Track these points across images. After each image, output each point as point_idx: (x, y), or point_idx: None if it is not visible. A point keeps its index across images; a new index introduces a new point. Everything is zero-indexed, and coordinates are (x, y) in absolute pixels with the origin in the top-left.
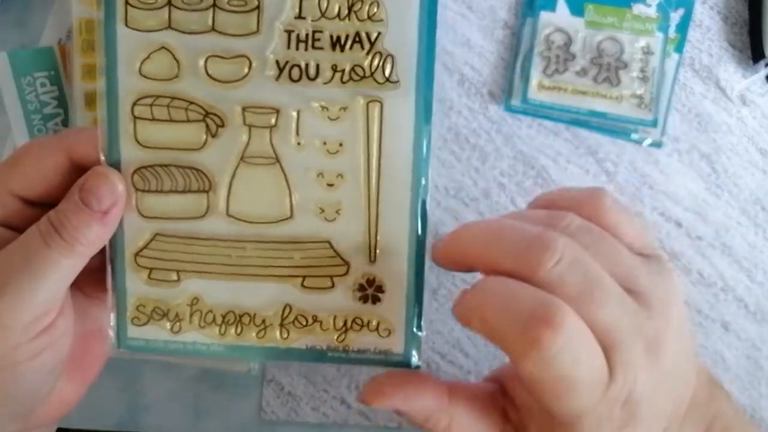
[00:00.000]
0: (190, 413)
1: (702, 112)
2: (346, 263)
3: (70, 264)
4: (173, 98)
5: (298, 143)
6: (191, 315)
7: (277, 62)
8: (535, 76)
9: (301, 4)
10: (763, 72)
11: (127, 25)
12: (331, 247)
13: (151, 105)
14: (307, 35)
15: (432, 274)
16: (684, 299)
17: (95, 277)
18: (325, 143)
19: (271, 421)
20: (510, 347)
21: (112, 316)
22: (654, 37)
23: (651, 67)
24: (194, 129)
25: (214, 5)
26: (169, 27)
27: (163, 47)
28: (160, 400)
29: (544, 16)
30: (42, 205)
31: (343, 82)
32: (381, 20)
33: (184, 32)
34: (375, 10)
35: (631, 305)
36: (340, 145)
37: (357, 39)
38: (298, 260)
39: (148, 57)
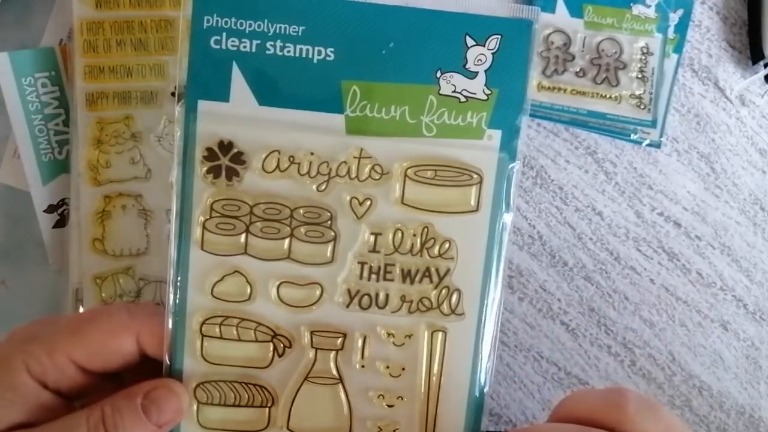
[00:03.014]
0: None
1: (701, 113)
2: None
3: None
4: (243, 319)
5: (362, 366)
6: None
7: (349, 291)
8: (535, 77)
9: (376, 239)
10: (762, 72)
11: (202, 248)
12: None
13: (220, 324)
14: (379, 267)
15: None
16: (684, 299)
17: None
18: (388, 367)
19: None
20: None
21: None
22: (653, 38)
23: (650, 68)
24: (261, 349)
25: (292, 235)
26: (245, 253)
27: (236, 271)
28: None
29: (544, 17)
30: (96, 375)
31: (410, 312)
32: (451, 258)
33: (259, 258)
34: (447, 247)
35: None
36: (403, 369)
37: (427, 273)
38: None
39: (221, 279)
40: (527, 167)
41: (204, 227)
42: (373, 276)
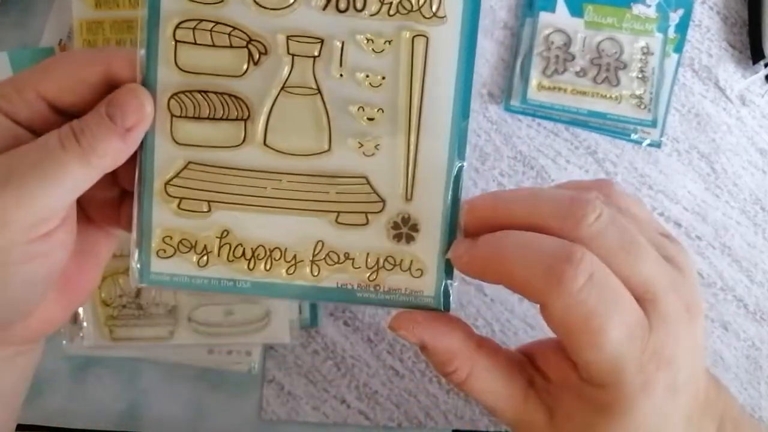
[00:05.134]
0: (190, 413)
1: (701, 112)
2: (382, 200)
3: (82, 173)
4: (217, 23)
5: (341, 75)
6: (220, 248)
7: None
8: (535, 77)
9: None
10: (762, 72)
11: None
12: (368, 183)
13: (194, 29)
14: None
15: None
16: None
17: (107, 210)
18: (367, 76)
19: (272, 420)
20: (535, 291)
21: (136, 250)
22: (653, 38)
23: (650, 68)
24: (236, 55)
25: None
26: None
27: None
28: (160, 399)
29: (544, 16)
30: (68, 116)
31: (390, 15)
32: None
33: None
34: None
35: (666, 265)
36: (383, 78)
37: None
38: (333, 195)
39: None
40: (527, 167)
41: None
42: None
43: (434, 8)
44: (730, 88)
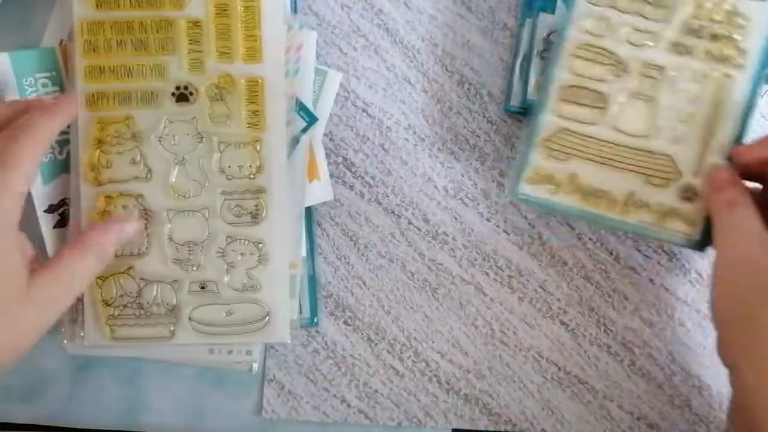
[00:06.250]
0: (190, 413)
1: None
2: (681, 173)
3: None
4: (599, 48)
5: (669, 91)
6: (567, 185)
7: (671, 42)
8: (535, 77)
9: (698, 11)
10: None
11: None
12: (673, 161)
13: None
14: (694, 28)
15: (431, 274)
16: (684, 299)
17: None
18: (686, 94)
19: (272, 420)
20: None
21: (515, 180)
22: None
23: None
24: (606, 71)
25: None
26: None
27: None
28: (160, 399)
29: (544, 17)
30: None
31: (710, 59)
32: (743, 27)
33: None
34: (741, 21)
35: None
36: (698, 98)
37: (726, 36)
38: (648, 163)
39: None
40: None
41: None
42: (691, 33)
43: (740, 60)
44: None
